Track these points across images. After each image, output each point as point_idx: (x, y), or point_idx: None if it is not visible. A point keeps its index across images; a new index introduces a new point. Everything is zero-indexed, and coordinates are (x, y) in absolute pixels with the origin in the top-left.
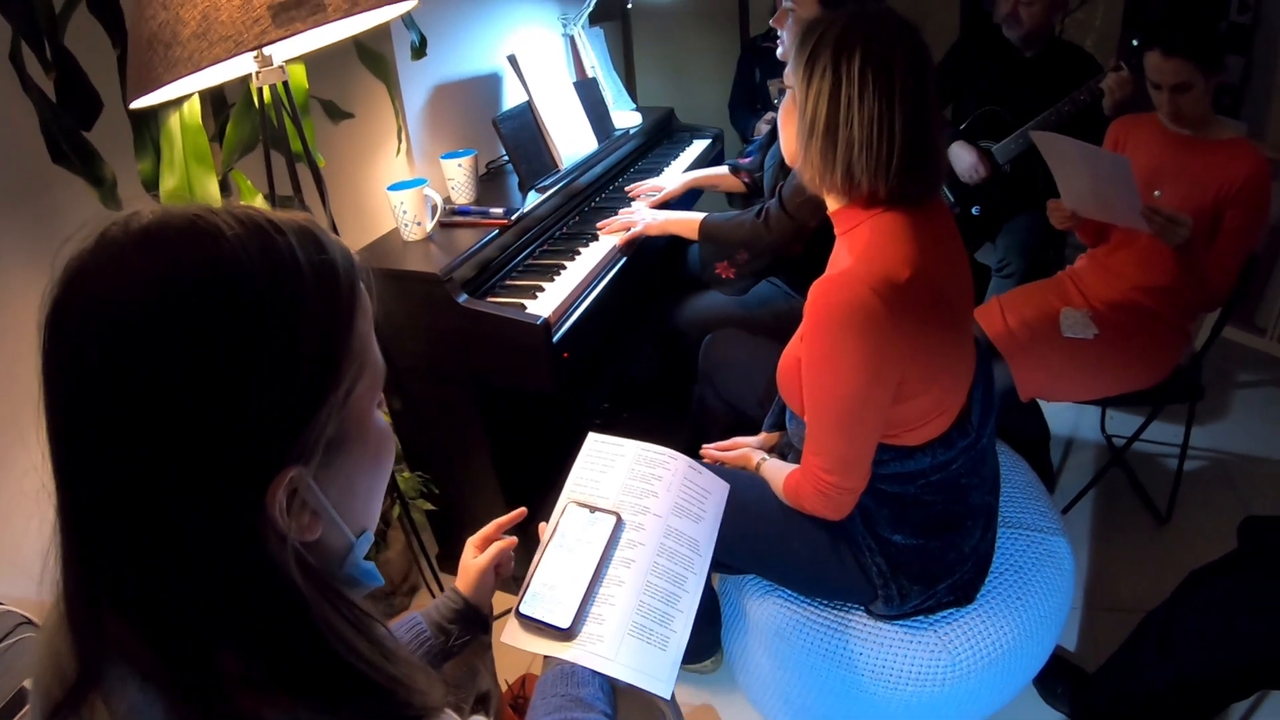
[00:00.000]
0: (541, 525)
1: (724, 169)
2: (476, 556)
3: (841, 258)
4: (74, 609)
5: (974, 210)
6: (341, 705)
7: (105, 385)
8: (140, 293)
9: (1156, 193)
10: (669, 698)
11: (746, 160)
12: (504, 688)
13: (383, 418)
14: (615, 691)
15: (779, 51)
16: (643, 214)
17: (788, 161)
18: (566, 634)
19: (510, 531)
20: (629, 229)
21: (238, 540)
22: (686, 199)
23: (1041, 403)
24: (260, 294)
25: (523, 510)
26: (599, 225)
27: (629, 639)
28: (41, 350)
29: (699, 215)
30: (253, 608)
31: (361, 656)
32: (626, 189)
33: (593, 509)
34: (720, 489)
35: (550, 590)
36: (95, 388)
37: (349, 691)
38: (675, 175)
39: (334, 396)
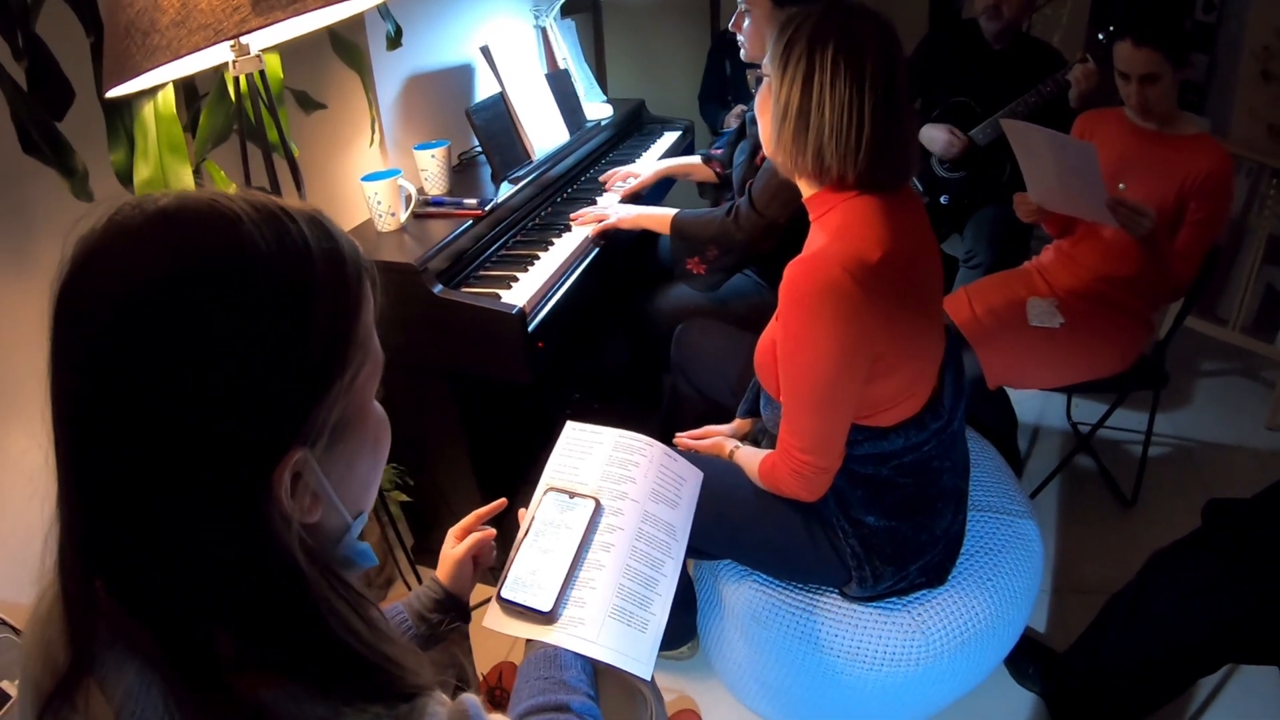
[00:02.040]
0: (521, 512)
1: (697, 158)
2: (455, 547)
3: (815, 241)
4: (71, 592)
5: (942, 199)
6: (336, 684)
7: (117, 367)
8: (157, 273)
9: (1121, 185)
10: (649, 679)
11: (719, 151)
12: (479, 679)
13: (379, 406)
14: (596, 674)
15: (741, 54)
16: (615, 207)
17: (763, 148)
18: (548, 617)
19: (489, 522)
20: (601, 220)
21: (244, 521)
22: (659, 188)
23: (1008, 390)
24: (274, 280)
25: (503, 501)
26: (572, 216)
27: (610, 621)
28: (51, 333)
29: (670, 211)
30: (255, 589)
31: (358, 636)
32: (600, 177)
33: (572, 494)
34: (695, 476)
35: (531, 575)
36: (107, 369)
37: (344, 671)
38: (648, 164)
39: (340, 382)
